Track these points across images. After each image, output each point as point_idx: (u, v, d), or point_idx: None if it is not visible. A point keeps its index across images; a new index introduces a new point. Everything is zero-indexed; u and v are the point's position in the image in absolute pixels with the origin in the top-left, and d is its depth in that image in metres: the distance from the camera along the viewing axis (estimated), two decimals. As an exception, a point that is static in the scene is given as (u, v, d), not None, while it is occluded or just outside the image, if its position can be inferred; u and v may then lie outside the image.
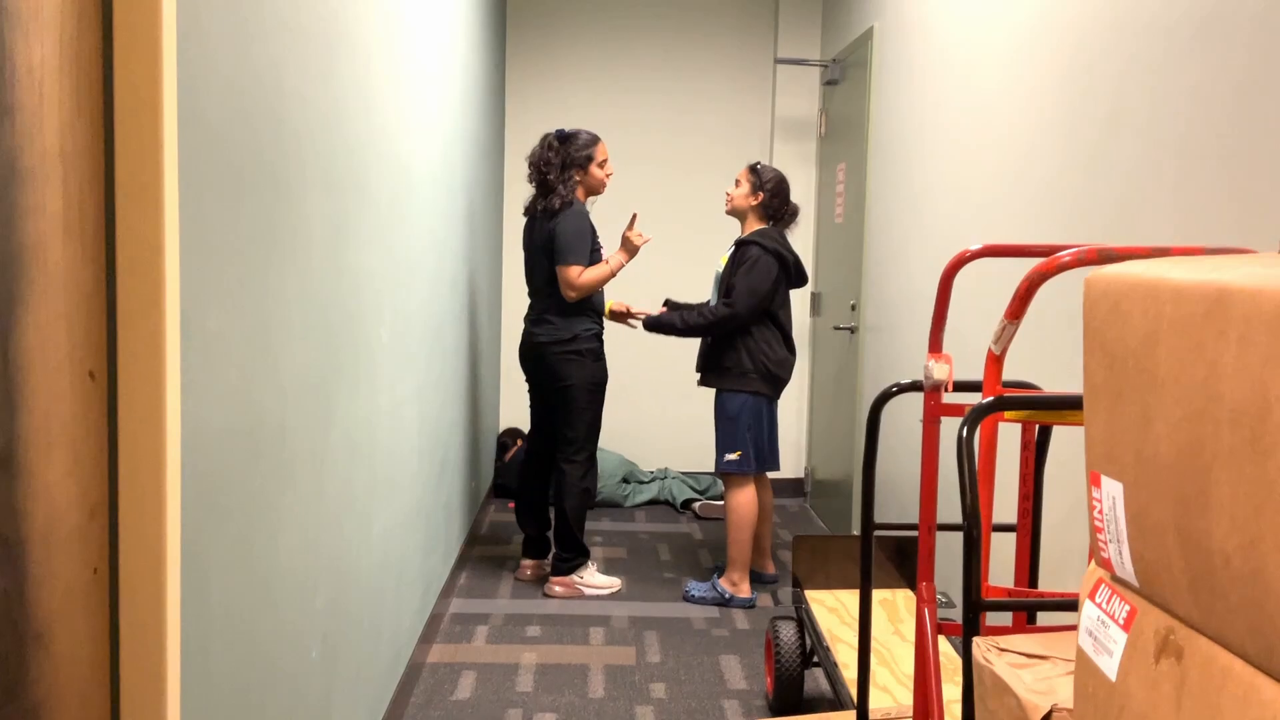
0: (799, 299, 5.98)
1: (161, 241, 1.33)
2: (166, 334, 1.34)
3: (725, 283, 4.21)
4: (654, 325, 4.30)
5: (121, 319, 1.33)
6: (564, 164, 4.22)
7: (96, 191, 1.30)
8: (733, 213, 4.33)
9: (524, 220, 4.26)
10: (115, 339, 1.33)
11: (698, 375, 4.57)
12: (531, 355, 4.31)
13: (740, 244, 4.21)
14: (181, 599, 1.45)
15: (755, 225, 4.29)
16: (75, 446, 1.27)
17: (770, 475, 5.55)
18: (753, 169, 4.28)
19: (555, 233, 4.15)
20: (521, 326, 5.23)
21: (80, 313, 1.28)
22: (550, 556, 4.51)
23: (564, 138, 4.25)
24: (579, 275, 4.15)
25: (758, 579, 4.48)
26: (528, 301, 4.45)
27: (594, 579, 4.36)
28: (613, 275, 4.23)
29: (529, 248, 4.33)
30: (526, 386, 4.50)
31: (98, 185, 1.30)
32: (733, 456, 4.18)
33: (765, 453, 4.24)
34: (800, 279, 4.26)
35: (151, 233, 1.33)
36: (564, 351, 4.23)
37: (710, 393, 5.01)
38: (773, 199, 4.25)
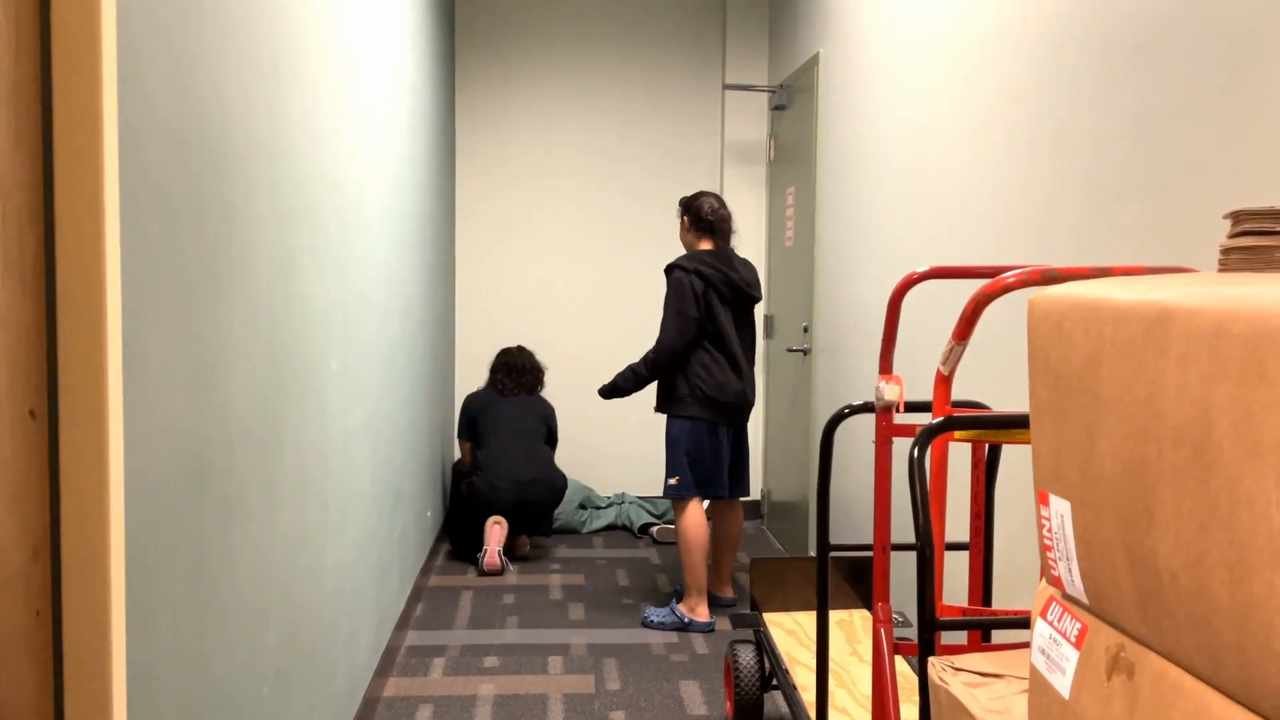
0: (752, 322, 6.02)
1: (103, 276, 1.31)
2: (109, 370, 1.32)
3: None
4: (607, 392, 4.40)
5: (62, 356, 1.31)
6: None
7: (36, 226, 1.28)
8: (688, 248, 4.39)
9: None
10: (56, 376, 1.31)
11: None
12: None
13: (666, 271, 4.27)
14: (127, 640, 1.42)
15: (699, 249, 4.33)
16: (15, 486, 1.25)
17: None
18: (679, 204, 4.43)
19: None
20: (472, 355, 5.68)
21: (19, 350, 1.25)
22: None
23: None
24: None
25: (715, 602, 4.47)
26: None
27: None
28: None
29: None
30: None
31: (37, 220, 1.28)
32: (672, 481, 4.23)
33: (708, 477, 4.23)
34: (737, 293, 4.22)
35: (92, 267, 1.30)
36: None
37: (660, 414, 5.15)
38: (695, 217, 4.31)
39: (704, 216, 4.30)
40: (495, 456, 5.07)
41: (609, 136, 6.08)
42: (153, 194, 1.50)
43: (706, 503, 4.50)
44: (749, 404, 4.31)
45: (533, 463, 5.08)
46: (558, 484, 5.12)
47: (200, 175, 1.69)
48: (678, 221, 4.43)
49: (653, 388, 6.11)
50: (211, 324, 1.75)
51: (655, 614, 4.26)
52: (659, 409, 4.33)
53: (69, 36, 1.29)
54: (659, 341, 4.20)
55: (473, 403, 5.31)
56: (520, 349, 5.45)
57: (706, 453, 4.23)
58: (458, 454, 6.10)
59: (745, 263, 4.33)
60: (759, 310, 6.03)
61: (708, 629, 4.19)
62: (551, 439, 5.35)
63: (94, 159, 1.30)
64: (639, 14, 6.06)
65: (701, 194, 4.36)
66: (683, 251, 5.76)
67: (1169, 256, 2.08)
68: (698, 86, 6.11)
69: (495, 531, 4.95)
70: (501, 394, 5.30)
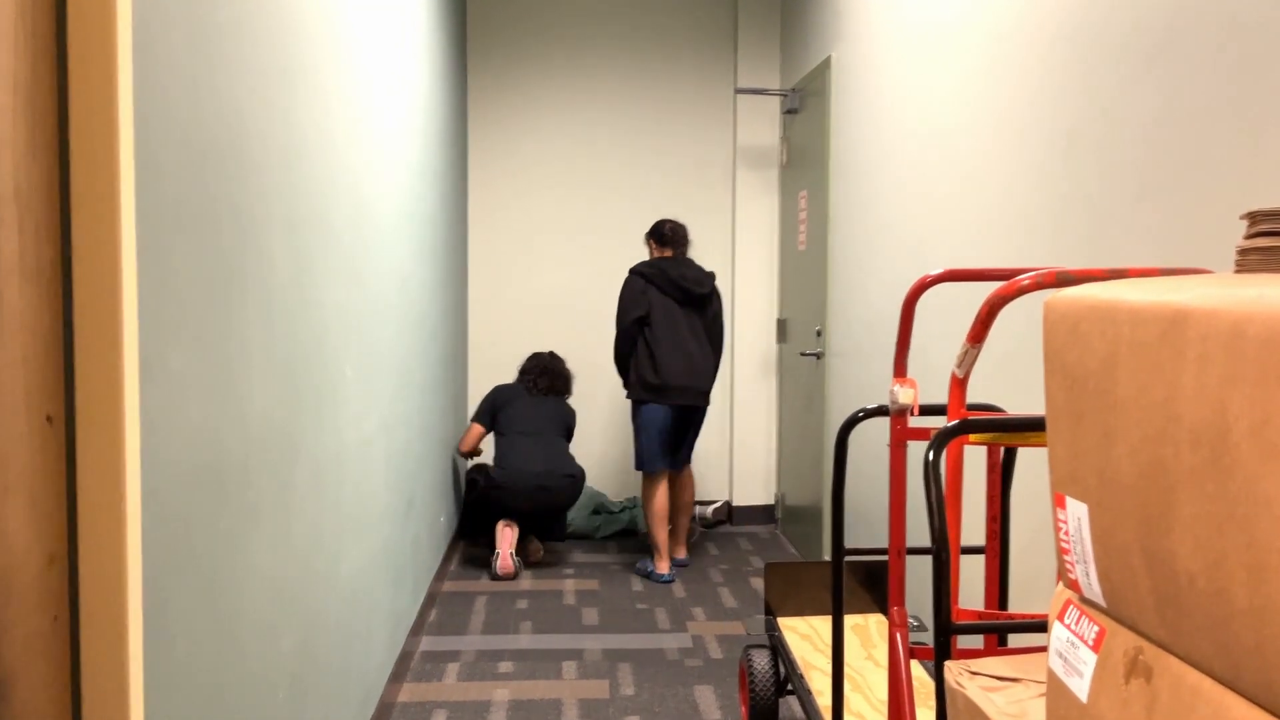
0: (765, 326, 6.05)
1: (119, 282, 1.32)
2: (125, 376, 1.33)
3: None
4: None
5: (80, 362, 1.31)
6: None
7: (53, 234, 1.29)
8: None
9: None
10: (73, 382, 1.32)
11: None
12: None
13: None
14: (144, 645, 1.43)
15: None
16: (33, 492, 1.25)
17: (740, 502, 6.22)
18: (645, 237, 5.17)
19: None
20: (494, 357, 5.82)
21: (37, 356, 1.26)
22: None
23: None
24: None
25: (674, 563, 5.19)
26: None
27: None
28: None
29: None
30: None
31: (54, 227, 1.29)
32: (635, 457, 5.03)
33: (652, 453, 4.93)
34: (680, 289, 4.86)
35: (109, 274, 1.31)
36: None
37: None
38: (657, 235, 5.03)
39: (664, 233, 5.02)
40: (516, 447, 5.13)
41: (621, 142, 6.09)
42: (168, 201, 1.51)
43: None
44: (696, 388, 4.92)
45: (552, 455, 5.14)
46: (576, 474, 5.14)
47: (215, 182, 1.70)
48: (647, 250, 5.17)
49: None
50: (227, 330, 1.76)
51: (644, 564, 5.05)
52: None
53: (85, 45, 1.30)
54: (617, 334, 4.94)
55: (500, 393, 5.37)
56: (552, 354, 5.54)
57: (651, 431, 4.91)
58: (472, 461, 6.11)
59: (695, 265, 4.97)
60: (768, 314, 6.04)
61: (666, 580, 4.92)
62: (568, 439, 5.43)
63: (110, 166, 1.30)
64: (650, 20, 6.07)
65: (660, 220, 5.10)
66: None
67: (1185, 258, 2.07)
68: (709, 91, 6.12)
69: (506, 534, 4.96)
70: (529, 391, 5.38)
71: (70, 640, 1.34)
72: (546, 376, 5.44)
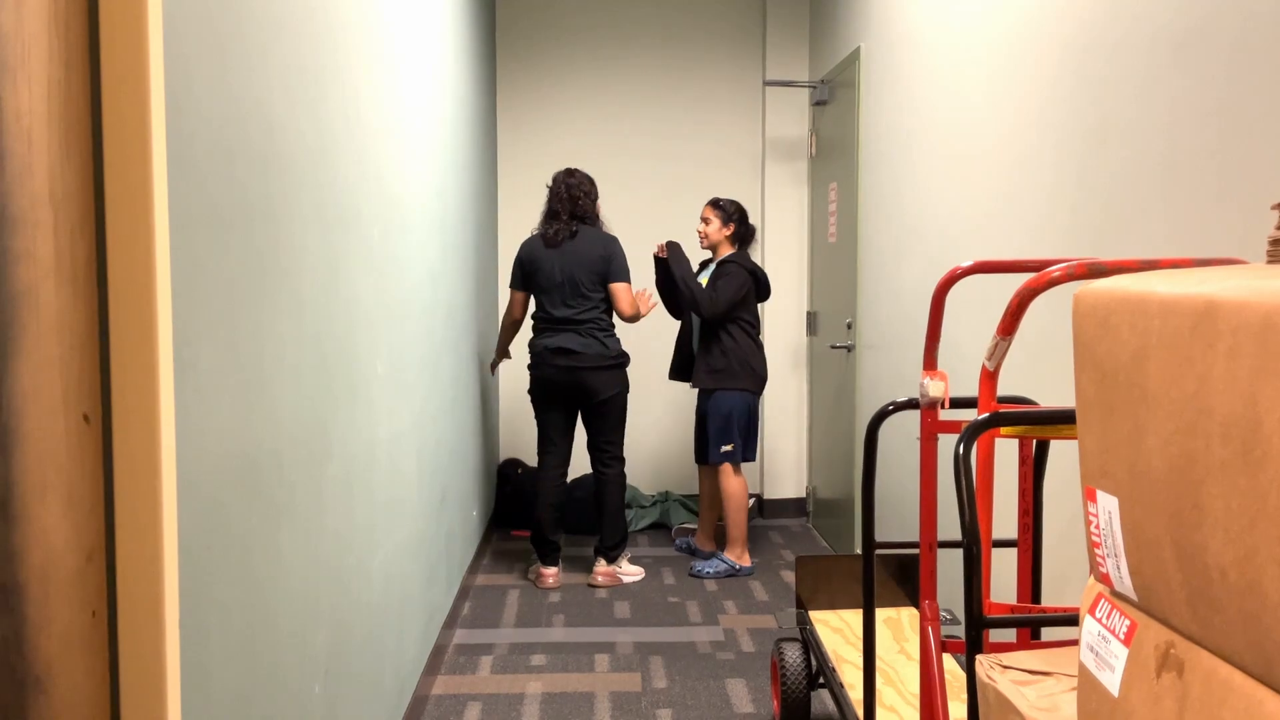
0: (795, 319, 6.04)
1: (153, 282, 1.33)
2: (160, 374, 1.35)
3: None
4: (674, 256, 4.85)
5: (115, 361, 1.33)
6: (595, 196, 4.77)
7: (87, 235, 1.30)
8: (709, 247, 4.98)
9: (548, 248, 4.69)
10: (109, 381, 1.34)
11: (681, 380, 5.20)
12: (581, 372, 4.65)
13: (721, 264, 4.86)
14: (181, 640, 1.45)
15: (727, 251, 4.95)
16: (71, 490, 1.27)
17: (771, 496, 6.31)
18: (715, 205, 4.94)
19: (612, 254, 4.65)
20: (525, 350, 5.59)
21: (73, 356, 1.28)
22: (595, 550, 4.91)
23: (589, 178, 4.78)
24: (634, 294, 4.72)
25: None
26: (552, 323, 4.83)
27: (628, 567, 4.88)
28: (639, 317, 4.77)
29: (565, 268, 4.65)
30: (544, 413, 4.78)
31: (88, 228, 1.31)
32: (727, 448, 4.85)
33: (750, 443, 4.92)
34: (767, 292, 4.93)
35: (143, 274, 1.33)
36: (615, 365, 4.69)
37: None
38: (740, 225, 4.95)
39: (751, 232, 5.00)
40: (541, 322, 4.72)
41: (650, 134, 6.09)
42: (201, 201, 1.52)
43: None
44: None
45: (582, 327, 4.64)
46: (607, 357, 4.61)
47: (247, 182, 1.72)
48: (707, 221, 4.96)
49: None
50: (260, 328, 1.78)
51: (703, 565, 4.91)
52: (700, 384, 4.93)
53: (117, 47, 1.31)
54: (713, 301, 4.76)
55: (521, 251, 4.76)
56: (568, 171, 4.75)
57: (749, 421, 4.90)
58: (504, 455, 6.13)
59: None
60: (798, 307, 6.02)
61: (750, 572, 4.96)
62: (612, 280, 4.63)
63: (143, 168, 1.32)
64: (679, 12, 6.06)
65: (741, 204, 5.06)
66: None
67: (1217, 249, 2.04)
68: (738, 83, 6.10)
69: (545, 578, 4.78)
70: (546, 243, 4.66)
71: (108, 635, 1.36)
72: (561, 212, 4.65)
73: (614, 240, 4.68)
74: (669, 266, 4.86)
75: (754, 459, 4.98)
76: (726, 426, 4.84)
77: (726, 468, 4.87)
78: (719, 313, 4.74)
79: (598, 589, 4.73)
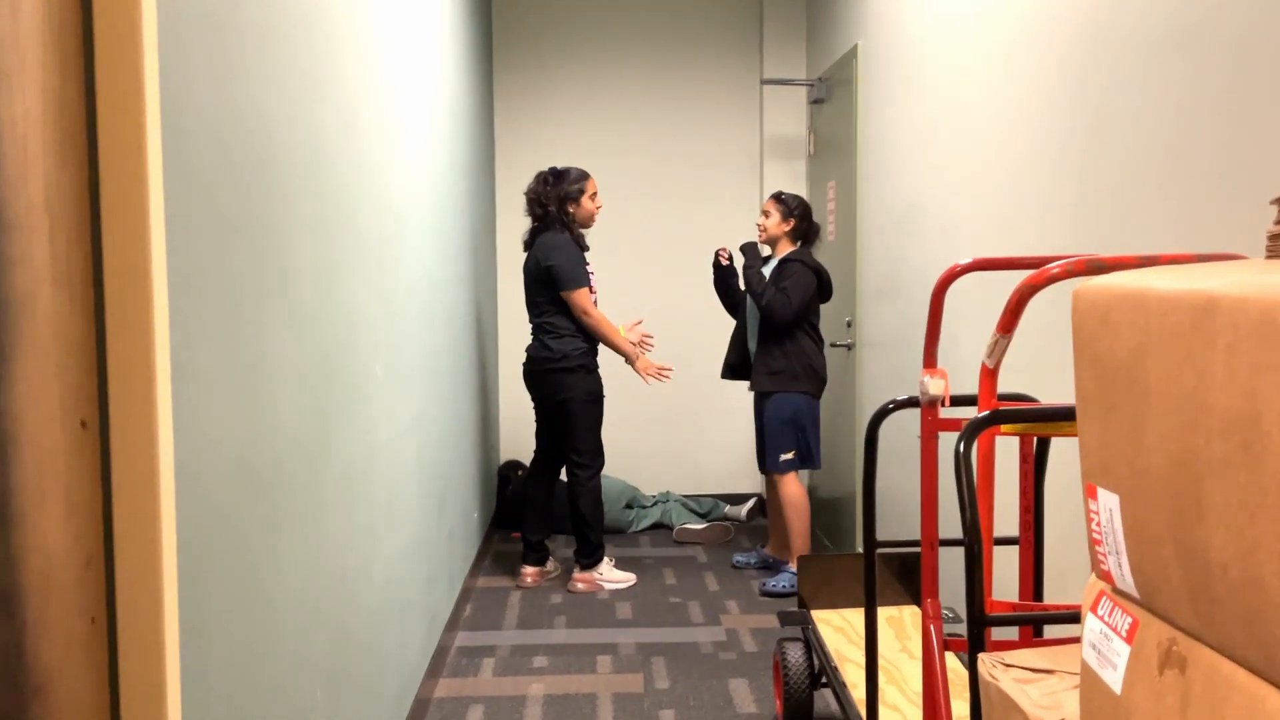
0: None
1: (150, 287, 1.33)
2: (158, 380, 1.34)
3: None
4: (749, 256, 4.71)
5: (112, 367, 1.33)
6: (560, 198, 4.66)
7: (83, 240, 1.30)
8: (768, 241, 4.82)
9: (523, 252, 4.82)
10: (106, 387, 1.33)
11: (736, 380, 5.03)
12: (532, 375, 4.73)
13: (784, 262, 4.70)
14: (180, 645, 1.45)
15: (787, 248, 4.78)
16: (69, 496, 1.27)
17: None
18: (778, 198, 4.81)
19: (552, 264, 4.58)
20: (522, 354, 5.57)
21: (71, 362, 1.27)
22: (548, 560, 4.92)
23: (557, 174, 4.68)
24: (587, 298, 4.60)
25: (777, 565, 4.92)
26: (529, 329, 4.85)
27: (611, 574, 4.77)
28: (615, 348, 4.69)
29: (526, 275, 4.72)
30: (534, 415, 4.97)
31: (84, 234, 1.30)
32: (788, 456, 4.64)
33: (814, 451, 4.69)
34: (829, 291, 4.75)
35: (139, 279, 1.33)
36: (559, 368, 4.63)
37: (704, 410, 6.10)
38: (802, 221, 4.78)
39: (814, 230, 4.84)
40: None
41: (647, 134, 6.08)
42: (197, 206, 1.52)
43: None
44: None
45: (534, 337, 4.72)
46: (550, 358, 4.61)
47: (243, 186, 1.72)
48: (766, 214, 4.82)
49: (696, 379, 6.17)
50: (257, 332, 1.77)
51: (775, 581, 4.64)
52: (759, 387, 4.74)
53: (112, 54, 1.31)
54: (785, 302, 4.56)
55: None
56: (544, 172, 4.76)
57: (814, 424, 4.70)
58: (504, 458, 6.13)
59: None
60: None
61: None
62: (561, 290, 4.59)
63: (139, 173, 1.32)
64: (675, 11, 6.06)
65: (806, 201, 4.85)
66: (716, 233, 6.20)
67: (1216, 244, 2.04)
68: (736, 82, 6.10)
69: (524, 577, 4.83)
70: (526, 249, 4.82)
71: (108, 641, 1.35)
72: (531, 217, 4.72)
73: (555, 248, 4.56)
74: (730, 270, 4.84)
75: (818, 466, 4.74)
76: (786, 431, 4.63)
77: (787, 476, 4.66)
78: (790, 318, 4.58)
79: (598, 591, 4.73)
